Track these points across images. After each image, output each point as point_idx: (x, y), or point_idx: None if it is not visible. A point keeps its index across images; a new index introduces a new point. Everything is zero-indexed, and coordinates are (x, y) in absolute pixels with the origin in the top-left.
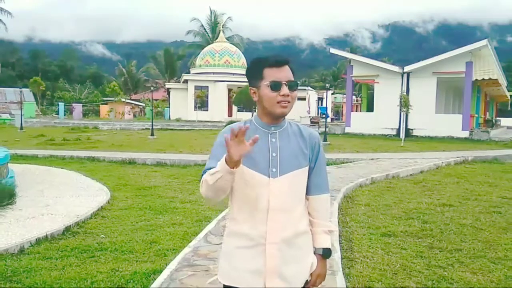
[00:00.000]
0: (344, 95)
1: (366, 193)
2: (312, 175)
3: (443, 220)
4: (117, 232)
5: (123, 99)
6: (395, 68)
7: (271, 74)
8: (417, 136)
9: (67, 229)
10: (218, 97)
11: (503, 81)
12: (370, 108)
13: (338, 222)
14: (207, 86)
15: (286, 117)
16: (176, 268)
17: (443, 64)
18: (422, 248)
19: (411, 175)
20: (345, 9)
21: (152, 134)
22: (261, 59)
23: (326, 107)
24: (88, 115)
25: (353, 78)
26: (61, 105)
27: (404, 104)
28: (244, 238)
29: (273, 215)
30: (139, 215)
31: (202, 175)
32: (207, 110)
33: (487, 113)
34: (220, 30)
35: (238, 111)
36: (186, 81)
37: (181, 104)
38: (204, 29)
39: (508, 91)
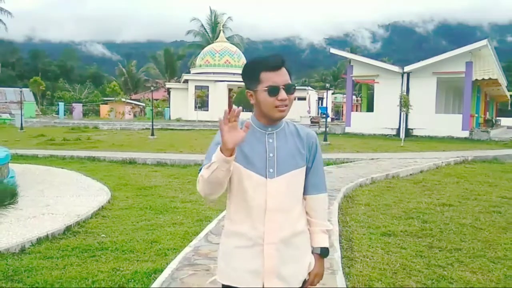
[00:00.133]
0: (344, 95)
1: (366, 193)
2: (309, 175)
3: (442, 220)
4: (118, 231)
5: (123, 99)
6: (395, 68)
7: (268, 79)
8: (417, 136)
9: (68, 228)
10: (218, 97)
11: (503, 81)
12: (370, 108)
13: (338, 222)
14: (207, 86)
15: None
16: (177, 267)
17: (443, 64)
18: (421, 248)
19: (411, 175)
20: (345, 9)
21: (152, 134)
22: (257, 61)
23: (326, 107)
24: (88, 115)
25: (353, 78)
26: (61, 105)
27: (404, 104)
28: (242, 238)
29: (271, 216)
30: (140, 215)
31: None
32: (207, 110)
33: (487, 113)
34: (220, 30)
35: None
36: (186, 81)
37: (181, 104)
38: (204, 29)
39: (508, 91)
